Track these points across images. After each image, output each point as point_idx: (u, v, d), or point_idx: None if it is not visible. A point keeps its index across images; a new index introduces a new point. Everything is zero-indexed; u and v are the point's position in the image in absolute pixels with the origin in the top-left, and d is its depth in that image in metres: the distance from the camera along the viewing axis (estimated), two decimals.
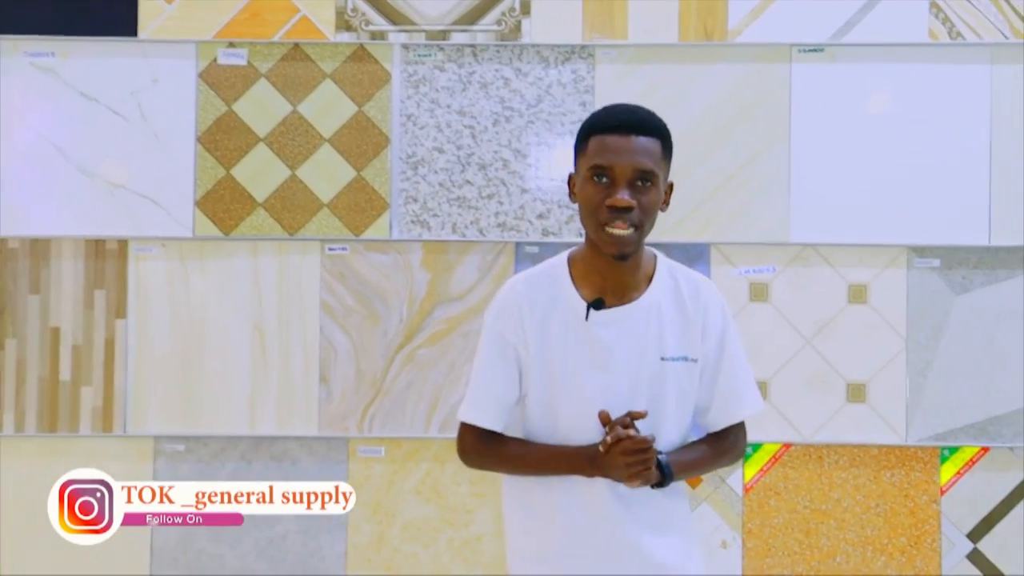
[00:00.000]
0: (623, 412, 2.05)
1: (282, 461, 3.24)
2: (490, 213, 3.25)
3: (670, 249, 3.23)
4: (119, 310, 3.25)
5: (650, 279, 2.13)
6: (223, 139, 3.25)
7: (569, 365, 2.10)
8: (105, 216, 3.24)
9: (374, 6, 3.26)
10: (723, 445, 2.23)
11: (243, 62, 3.25)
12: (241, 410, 3.23)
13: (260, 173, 3.25)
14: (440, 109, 3.26)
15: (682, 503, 2.19)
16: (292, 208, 3.25)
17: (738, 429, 2.22)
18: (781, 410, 3.23)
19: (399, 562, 3.25)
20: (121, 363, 3.24)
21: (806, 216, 3.23)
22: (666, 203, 2.13)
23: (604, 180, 2.04)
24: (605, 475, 2.03)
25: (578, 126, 3.22)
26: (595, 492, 2.08)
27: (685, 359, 2.15)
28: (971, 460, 3.23)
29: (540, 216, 3.26)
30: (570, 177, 2.16)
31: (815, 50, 3.24)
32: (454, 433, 3.15)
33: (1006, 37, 3.22)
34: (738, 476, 3.24)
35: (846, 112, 3.24)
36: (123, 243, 3.25)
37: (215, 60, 3.25)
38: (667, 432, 2.12)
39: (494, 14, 3.26)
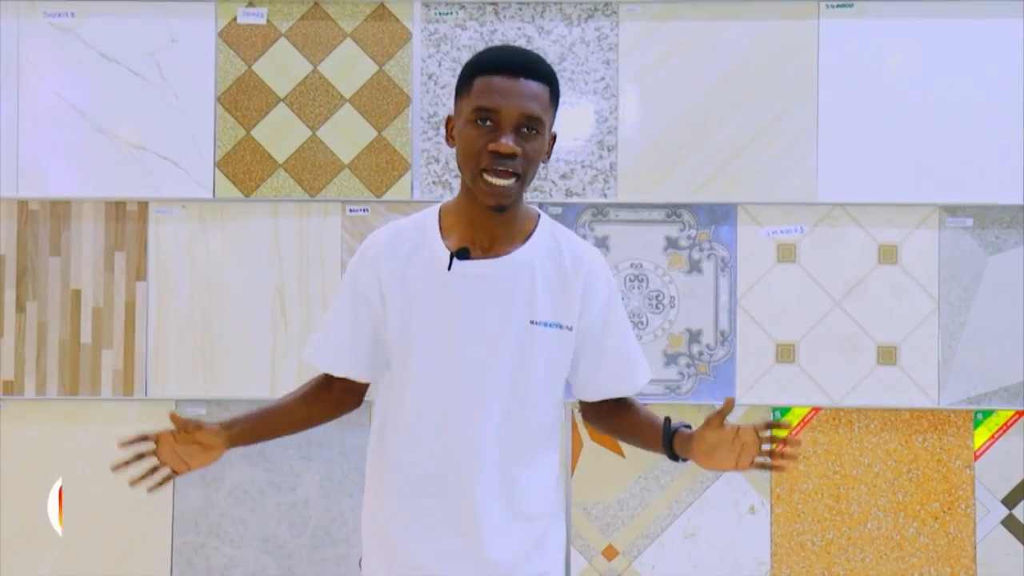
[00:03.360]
0: (481, 375, 1.95)
1: None
2: None
3: (695, 210, 3.19)
4: (139, 272, 3.22)
5: (527, 237, 2.00)
6: (243, 99, 3.22)
7: (427, 319, 1.98)
8: (125, 177, 3.22)
9: None
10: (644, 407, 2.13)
11: (262, 21, 3.22)
12: (261, 373, 3.20)
13: (280, 134, 3.22)
14: (461, 67, 3.21)
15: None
16: (312, 169, 3.21)
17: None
18: (810, 373, 3.17)
19: None
20: (141, 326, 3.22)
21: (834, 175, 3.17)
22: (548, 154, 2.01)
23: (488, 124, 1.91)
24: None
25: (602, 85, 3.23)
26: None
27: (559, 326, 2.01)
28: (1005, 424, 3.15)
29: (563, 176, 3.21)
30: (448, 119, 2.03)
31: (844, 5, 3.17)
32: None
33: None
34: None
35: (875, 69, 3.17)
36: (143, 205, 3.23)
37: (234, 19, 3.22)
38: (533, 403, 2.00)
39: None
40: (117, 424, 3.20)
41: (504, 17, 3.21)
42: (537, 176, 3.19)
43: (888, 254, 3.17)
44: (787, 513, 3.18)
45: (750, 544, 3.18)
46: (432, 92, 3.21)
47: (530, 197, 3.19)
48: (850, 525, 3.17)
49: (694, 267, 3.20)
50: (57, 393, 3.21)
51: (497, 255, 1.98)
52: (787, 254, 3.19)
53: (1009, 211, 3.15)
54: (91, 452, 3.21)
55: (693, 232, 3.20)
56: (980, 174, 3.14)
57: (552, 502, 2.06)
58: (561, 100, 3.16)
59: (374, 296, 2.01)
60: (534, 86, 1.94)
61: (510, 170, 1.90)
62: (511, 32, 3.20)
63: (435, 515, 1.99)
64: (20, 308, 3.22)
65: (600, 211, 3.20)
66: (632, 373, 2.10)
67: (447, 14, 3.21)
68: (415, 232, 2.02)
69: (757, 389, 3.17)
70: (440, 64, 3.21)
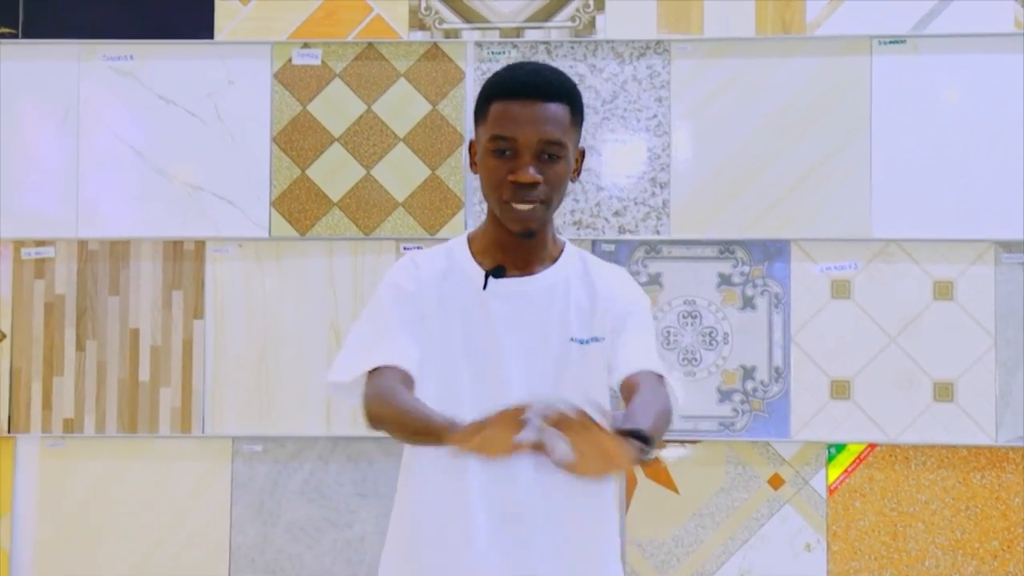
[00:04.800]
0: (523, 392, 1.82)
1: (359, 461, 3.23)
2: (565, 211, 3.22)
3: (748, 246, 3.19)
4: (196, 310, 3.27)
5: (555, 259, 1.96)
6: (298, 139, 3.26)
7: (466, 340, 1.92)
8: (182, 217, 3.27)
9: (448, 4, 3.25)
10: (659, 388, 1.88)
11: (317, 62, 3.26)
12: (318, 410, 3.23)
13: (335, 172, 3.26)
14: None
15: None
16: (367, 207, 3.25)
17: (657, 380, 1.89)
18: (866, 410, 3.16)
19: None
20: (199, 364, 3.26)
21: (888, 211, 3.16)
22: (577, 172, 1.94)
23: (507, 153, 1.85)
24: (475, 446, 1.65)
25: (654, 122, 3.24)
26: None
27: (595, 340, 1.96)
28: None
29: (616, 213, 3.23)
30: (471, 144, 1.96)
31: (896, 41, 3.17)
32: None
33: None
34: (821, 477, 3.17)
35: (928, 104, 3.17)
36: (200, 244, 3.27)
37: (290, 60, 3.26)
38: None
39: (568, 10, 3.24)
40: (174, 461, 3.25)
41: (557, 56, 3.24)
42: (590, 213, 3.22)
43: (943, 290, 3.16)
44: (844, 551, 3.17)
45: None
46: None
47: (582, 233, 3.21)
48: (908, 563, 3.15)
49: (747, 303, 3.20)
50: (116, 431, 3.26)
51: (531, 273, 1.96)
52: (841, 290, 3.18)
53: None
54: (149, 489, 3.25)
55: (746, 268, 3.20)
56: None
57: (599, 518, 1.99)
58: (612, 137, 3.22)
59: (417, 308, 1.93)
60: (553, 108, 1.86)
61: (534, 198, 1.86)
62: (564, 70, 3.22)
63: (482, 535, 1.92)
64: (80, 347, 3.27)
65: (653, 248, 3.22)
66: (647, 353, 1.97)
67: (499, 53, 3.24)
68: (445, 257, 1.98)
69: (812, 425, 3.16)
70: None
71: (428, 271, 1.96)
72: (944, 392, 3.15)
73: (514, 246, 1.93)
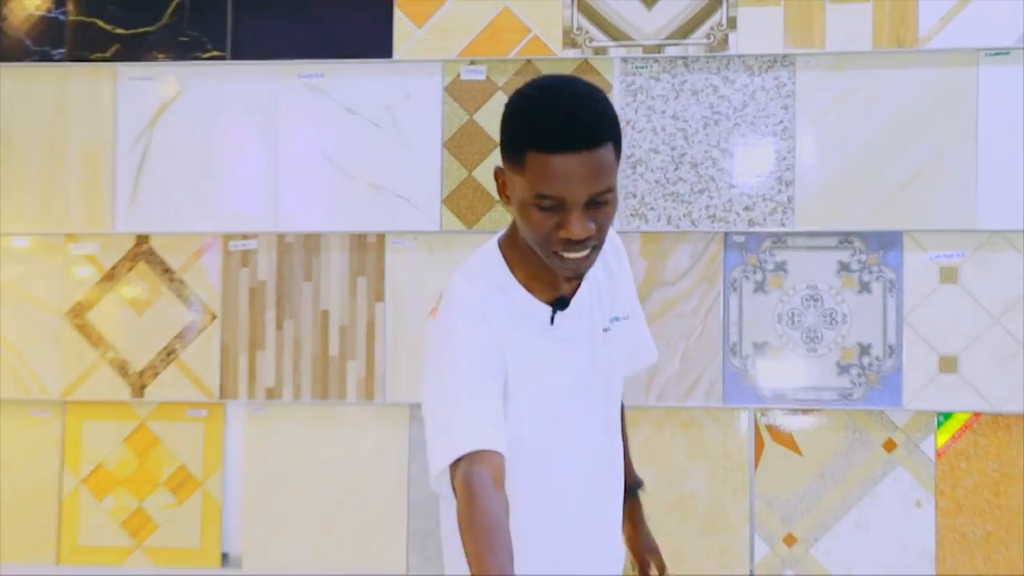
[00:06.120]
0: (579, 395, 1.88)
1: None
2: (701, 206, 3.64)
3: (865, 237, 3.58)
4: (378, 295, 3.75)
5: None
6: (465, 144, 3.72)
7: (538, 374, 1.83)
8: (365, 213, 3.73)
9: (596, 24, 3.68)
10: (624, 422, 2.19)
11: (482, 77, 3.71)
12: None
13: None
14: (656, 115, 3.66)
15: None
16: None
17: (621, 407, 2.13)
18: (971, 382, 3.54)
19: None
20: (380, 340, 3.74)
21: (992, 204, 3.52)
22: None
23: (553, 207, 1.69)
24: None
25: (780, 127, 3.64)
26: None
27: (617, 319, 1.95)
28: None
29: (746, 208, 3.64)
30: (499, 174, 1.81)
31: (1001, 53, 3.53)
32: (670, 403, 3.57)
33: None
34: (930, 442, 3.55)
35: None
36: (380, 237, 3.75)
37: (458, 76, 3.72)
38: (614, 400, 2.00)
39: (703, 29, 3.64)
40: (360, 424, 3.74)
41: (693, 69, 3.65)
42: (723, 208, 3.64)
43: None
44: (950, 507, 3.56)
45: (916, 534, 3.57)
46: (630, 136, 3.67)
47: (716, 227, 3.62)
48: (1008, 518, 3.54)
49: (864, 288, 3.60)
50: (310, 398, 3.76)
51: (576, 287, 1.90)
52: (949, 276, 3.56)
53: None
54: (339, 448, 3.75)
55: (863, 257, 3.60)
56: None
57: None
58: (742, 141, 3.63)
59: (499, 364, 1.79)
60: (597, 154, 1.68)
61: (587, 247, 1.74)
62: (699, 82, 3.63)
63: (577, 535, 1.97)
64: (279, 326, 3.78)
65: (779, 239, 3.62)
66: (649, 345, 2.19)
67: (643, 68, 3.66)
68: (499, 294, 1.84)
69: (922, 396, 3.55)
70: (637, 111, 3.67)
71: (494, 316, 1.81)
72: None
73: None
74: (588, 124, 1.68)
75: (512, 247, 1.86)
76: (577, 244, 1.72)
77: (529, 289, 1.85)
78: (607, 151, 1.70)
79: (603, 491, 2.05)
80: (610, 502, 2.09)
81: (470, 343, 1.76)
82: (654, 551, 2.31)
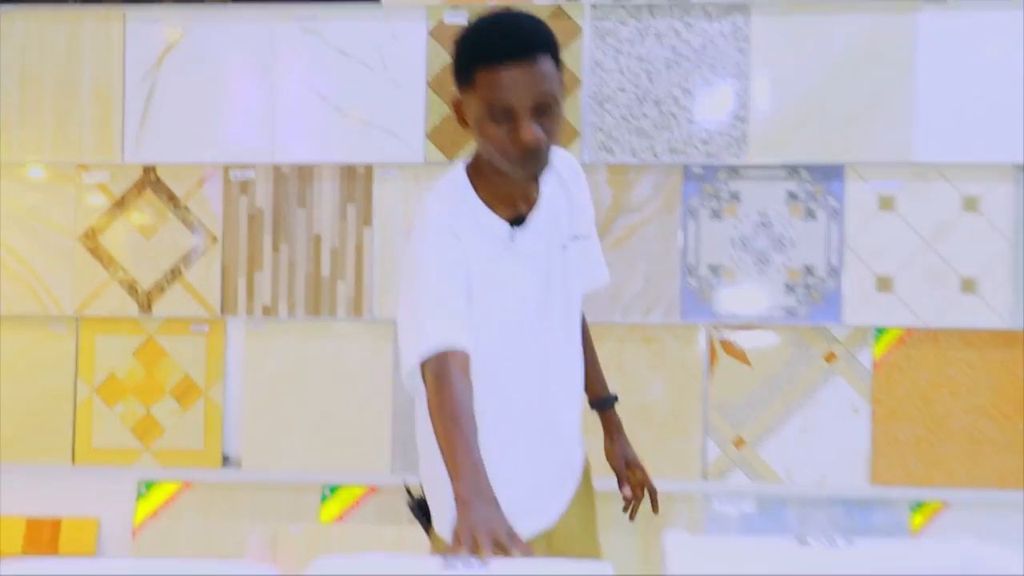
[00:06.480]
0: (537, 307, 1.98)
1: None
2: (663, 140, 3.98)
3: (812, 169, 3.93)
4: (366, 220, 4.08)
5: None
6: (448, 83, 4.00)
7: (499, 286, 1.96)
8: (355, 147, 4.03)
9: None
10: (590, 339, 2.34)
11: (464, 21, 4.03)
12: None
13: None
14: (622, 56, 3.99)
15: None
16: None
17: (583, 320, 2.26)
18: (905, 300, 3.89)
19: None
20: (368, 262, 4.07)
21: (927, 140, 3.85)
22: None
23: (504, 117, 1.85)
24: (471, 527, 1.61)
25: (736, 69, 3.97)
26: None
27: (576, 238, 2.08)
28: None
29: (704, 142, 3.97)
30: (456, 104, 1.95)
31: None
32: (634, 319, 3.90)
33: None
34: (868, 354, 3.91)
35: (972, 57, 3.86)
36: (369, 168, 4.06)
37: (441, 20, 4.04)
38: (573, 314, 2.10)
39: None
40: (349, 339, 4.08)
41: (657, 15, 3.98)
42: (683, 142, 3.98)
43: (970, 204, 3.87)
44: (884, 414, 3.92)
45: (854, 438, 3.93)
46: (598, 76, 4.00)
47: (676, 158, 3.96)
48: (937, 424, 3.89)
49: (809, 215, 3.95)
50: (304, 315, 4.10)
51: (534, 203, 2.04)
52: (887, 204, 3.92)
53: None
54: (329, 361, 4.10)
55: (809, 187, 3.94)
56: None
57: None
58: (706, 82, 3.96)
59: (465, 266, 1.94)
60: (538, 62, 1.84)
61: (540, 149, 1.89)
62: (662, 27, 3.97)
63: (530, 439, 2.09)
64: (275, 248, 4.10)
65: (733, 171, 3.96)
66: (602, 267, 2.31)
67: (611, 13, 3.99)
68: (463, 208, 2.01)
69: (861, 313, 3.91)
70: (605, 53, 3.99)
71: (461, 231, 1.96)
72: (968, 286, 3.87)
73: (519, 185, 2.00)
74: (526, 35, 1.88)
75: (476, 170, 2.05)
76: (533, 153, 1.89)
77: (491, 207, 2.02)
78: (546, 61, 1.87)
79: (561, 399, 2.18)
80: (568, 410, 2.21)
81: (439, 254, 1.92)
82: (634, 464, 2.41)
